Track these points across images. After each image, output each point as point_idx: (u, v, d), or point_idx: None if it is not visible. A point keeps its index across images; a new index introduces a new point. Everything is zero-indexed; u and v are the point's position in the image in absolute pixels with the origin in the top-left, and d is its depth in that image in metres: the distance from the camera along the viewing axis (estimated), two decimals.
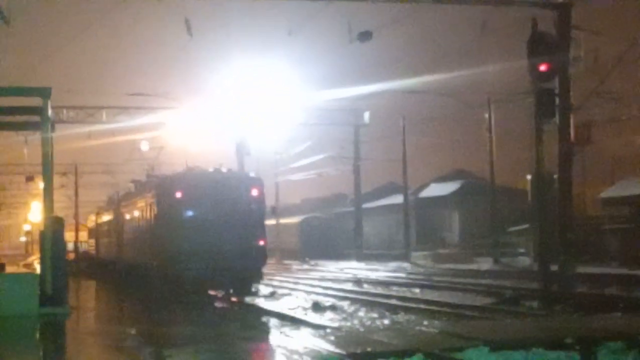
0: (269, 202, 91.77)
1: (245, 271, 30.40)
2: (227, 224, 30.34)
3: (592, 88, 34.86)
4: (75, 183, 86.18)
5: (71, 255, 71.96)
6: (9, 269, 50.04)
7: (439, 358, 15.16)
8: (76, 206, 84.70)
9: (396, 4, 29.73)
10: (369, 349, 16.06)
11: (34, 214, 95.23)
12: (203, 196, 30.82)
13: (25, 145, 53.27)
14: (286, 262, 75.61)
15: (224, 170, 32.45)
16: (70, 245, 76.99)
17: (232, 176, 32.32)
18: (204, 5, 34.07)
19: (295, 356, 15.39)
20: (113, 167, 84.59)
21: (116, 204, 46.24)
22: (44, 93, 23.07)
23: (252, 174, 34.01)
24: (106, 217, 50.93)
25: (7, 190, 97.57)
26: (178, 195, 30.91)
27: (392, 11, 30.72)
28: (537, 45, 24.64)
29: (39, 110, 23.32)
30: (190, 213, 30.69)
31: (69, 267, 60.41)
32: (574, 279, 31.96)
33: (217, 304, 30.56)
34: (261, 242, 31.14)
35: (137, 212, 37.61)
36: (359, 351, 15.94)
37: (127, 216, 40.45)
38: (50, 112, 23.25)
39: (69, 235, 78.60)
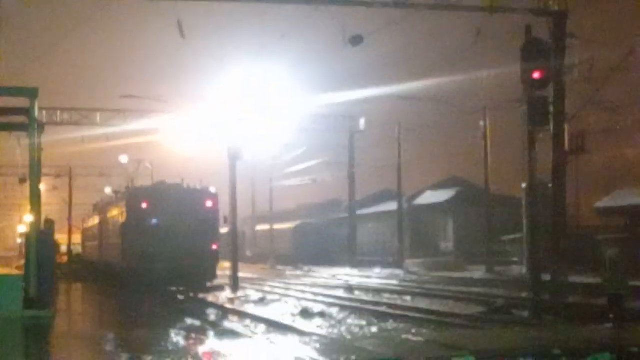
0: (264, 207, 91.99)
1: (199, 270, 36.06)
2: (185, 231, 35.96)
3: (587, 97, 34.69)
4: (70, 185, 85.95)
5: (65, 258, 71.78)
6: (1, 271, 49.87)
7: None
8: (70, 209, 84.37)
9: (390, 8, 29.54)
10: (352, 358, 15.82)
11: (29, 216, 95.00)
12: (165, 206, 36.52)
13: (18, 147, 52.90)
14: (280, 267, 75.39)
15: (184, 185, 38.23)
16: (64, 248, 76.91)
17: (190, 190, 37.90)
18: (197, 7, 33.74)
19: None
20: (107, 170, 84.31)
21: (99, 210, 50.80)
22: (31, 93, 22.78)
23: (211, 189, 38.65)
24: (92, 222, 54.59)
25: (1, 192, 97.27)
26: (144, 205, 36.64)
27: (386, 15, 30.44)
28: (531, 53, 24.38)
29: (26, 111, 23.01)
30: (154, 221, 36.25)
31: (61, 269, 60.50)
32: (566, 289, 31.70)
33: (202, 309, 30.35)
34: (214, 247, 36.94)
35: (112, 219, 42.42)
36: (342, 359, 15.72)
37: (106, 222, 45.02)
38: (37, 113, 22.94)
39: (62, 238, 78.57)
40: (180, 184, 38.48)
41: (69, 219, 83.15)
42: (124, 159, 70.83)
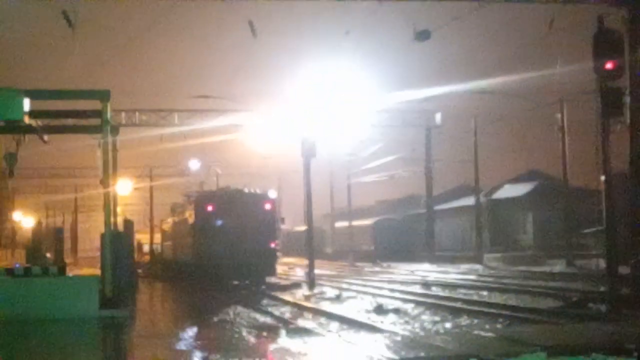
0: (343, 204, 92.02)
1: (259, 266, 40.33)
2: (246, 231, 40.36)
3: None
4: (150, 186, 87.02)
5: (147, 257, 72.72)
6: (86, 271, 50.80)
7: None
8: (151, 209, 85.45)
9: (458, 2, 29.22)
10: (422, 354, 15.71)
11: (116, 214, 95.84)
12: (228, 210, 41.16)
13: (98, 149, 53.67)
14: (358, 264, 75.27)
15: (245, 190, 43.30)
16: (147, 247, 77.86)
17: (250, 195, 42.67)
18: (266, 5, 33.78)
19: None
20: (187, 170, 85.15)
21: (174, 212, 54.45)
22: (103, 96, 23.06)
23: (269, 193, 44.13)
24: (168, 223, 57.36)
25: (84, 193, 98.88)
26: (210, 208, 41.42)
27: (454, 10, 30.06)
28: (603, 43, 23.98)
29: (99, 113, 23.30)
30: (218, 222, 40.89)
31: (143, 268, 61.28)
32: None
33: (277, 306, 30.46)
34: (272, 245, 41.68)
35: (184, 221, 46.62)
36: (411, 356, 15.61)
37: (179, 223, 49.08)
38: (109, 115, 23.20)
39: (145, 237, 79.56)
40: (241, 189, 43.67)
41: (151, 219, 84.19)
42: (194, 164, 73.73)
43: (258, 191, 43.68)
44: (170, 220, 55.81)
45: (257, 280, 40.86)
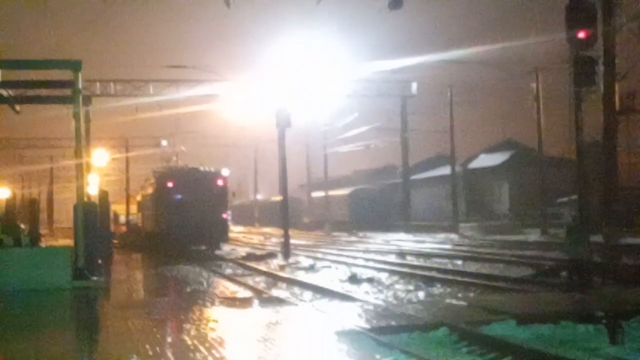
0: (319, 174, 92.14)
1: (213, 234, 45.65)
2: (201, 204, 45.09)
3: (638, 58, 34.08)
4: (126, 158, 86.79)
5: (124, 228, 72.61)
6: (62, 242, 50.77)
7: (464, 332, 14.85)
8: (127, 180, 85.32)
9: None
10: (393, 323, 15.80)
11: (90, 187, 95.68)
12: (186, 185, 46.22)
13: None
14: (335, 234, 75.39)
15: (200, 168, 49.17)
16: (123, 218, 77.74)
17: (205, 172, 48.14)
18: None
19: (318, 329, 15.22)
20: (164, 138, 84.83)
21: (144, 187, 58.49)
22: (75, 66, 22.92)
23: (222, 171, 50.09)
24: (140, 196, 60.74)
25: (60, 163, 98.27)
26: (170, 184, 46.68)
27: None
28: (576, 12, 23.97)
29: (71, 84, 23.16)
30: (177, 196, 45.96)
31: (120, 239, 61.27)
32: (618, 251, 31.25)
33: (252, 276, 30.53)
34: (224, 216, 46.99)
35: (150, 195, 51.47)
36: (383, 324, 15.69)
37: (147, 197, 53.49)
38: (81, 84, 23.07)
39: (121, 208, 79.45)
40: (197, 167, 49.66)
41: (127, 190, 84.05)
42: (164, 142, 77.70)
43: (212, 169, 49.44)
44: (141, 193, 59.70)
45: (212, 245, 46.30)
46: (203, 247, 45.86)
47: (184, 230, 44.81)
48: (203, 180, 46.79)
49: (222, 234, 47.02)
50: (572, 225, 21.49)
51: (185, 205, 45.40)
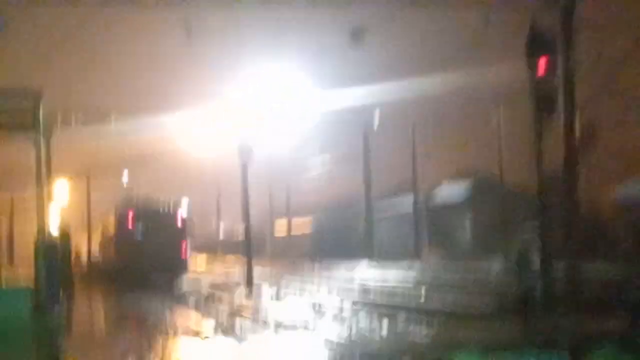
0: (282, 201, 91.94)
1: (174, 276, 45.88)
2: (162, 243, 46.01)
3: (598, 87, 34.35)
4: (88, 191, 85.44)
5: (85, 270, 70.90)
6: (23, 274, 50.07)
7: None
8: (88, 215, 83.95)
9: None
10: None
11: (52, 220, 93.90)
12: (145, 224, 47.10)
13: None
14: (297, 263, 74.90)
15: (159, 209, 48.99)
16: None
17: (164, 213, 48.54)
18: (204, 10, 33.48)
19: None
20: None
21: (104, 223, 59.07)
22: (35, 95, 22.69)
23: (180, 211, 49.89)
24: (103, 233, 60.24)
25: (21, 194, 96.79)
26: (128, 224, 47.42)
27: (389, 11, 29.89)
28: (536, 46, 24.17)
29: (30, 113, 22.91)
30: (137, 236, 46.84)
31: (82, 281, 60.27)
32: (580, 281, 31.26)
33: None
34: (183, 257, 47.99)
35: (109, 233, 51.92)
36: None
37: (108, 235, 53.29)
38: (41, 114, 22.84)
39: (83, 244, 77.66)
40: (157, 208, 49.30)
41: (89, 226, 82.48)
42: (125, 176, 77.91)
43: (172, 208, 49.67)
44: (103, 230, 59.80)
45: (171, 287, 45.74)
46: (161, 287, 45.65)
47: (141, 271, 45.22)
48: (162, 220, 47.77)
49: (181, 273, 47.55)
50: (521, 251, 21.53)
51: (144, 245, 46.31)
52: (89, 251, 74.35)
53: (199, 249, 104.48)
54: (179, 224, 48.62)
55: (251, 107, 43.27)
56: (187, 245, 49.49)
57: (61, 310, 25.48)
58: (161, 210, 49.51)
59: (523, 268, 21.20)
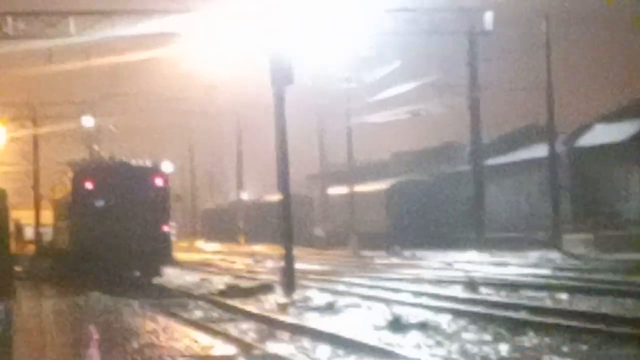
0: (339, 159, 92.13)
1: (151, 254, 48.19)
2: (133, 212, 48.53)
3: None
4: (34, 137, 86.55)
5: (32, 247, 72.22)
6: None
7: None
8: (35, 173, 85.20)
9: None
10: None
11: None
12: (111, 186, 49.28)
13: None
14: (365, 253, 75.36)
15: (132, 162, 52.13)
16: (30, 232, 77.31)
17: (138, 168, 51.70)
18: None
19: None
20: (91, 106, 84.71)
21: (59, 185, 61.08)
22: None
23: (162, 165, 54.02)
24: (57, 198, 61.26)
25: None
26: (89, 185, 49.16)
27: None
28: None
29: None
30: (99, 202, 48.83)
31: (26, 265, 61.28)
32: None
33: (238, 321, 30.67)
34: (165, 228, 49.92)
35: (64, 199, 54.32)
36: None
37: (62, 201, 55.96)
38: None
39: (29, 216, 78.89)
40: (128, 161, 53.19)
41: (35, 188, 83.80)
42: (87, 121, 78.69)
43: (148, 163, 53.27)
44: (58, 194, 60.47)
45: (149, 271, 49.44)
46: (136, 274, 48.71)
47: (107, 250, 47.09)
48: (135, 180, 50.02)
49: (163, 254, 49.80)
50: None
51: (110, 215, 48.47)
52: (37, 224, 75.57)
53: (208, 235, 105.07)
54: (160, 183, 50.32)
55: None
56: (169, 214, 51.35)
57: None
58: (134, 164, 52.18)
59: None
